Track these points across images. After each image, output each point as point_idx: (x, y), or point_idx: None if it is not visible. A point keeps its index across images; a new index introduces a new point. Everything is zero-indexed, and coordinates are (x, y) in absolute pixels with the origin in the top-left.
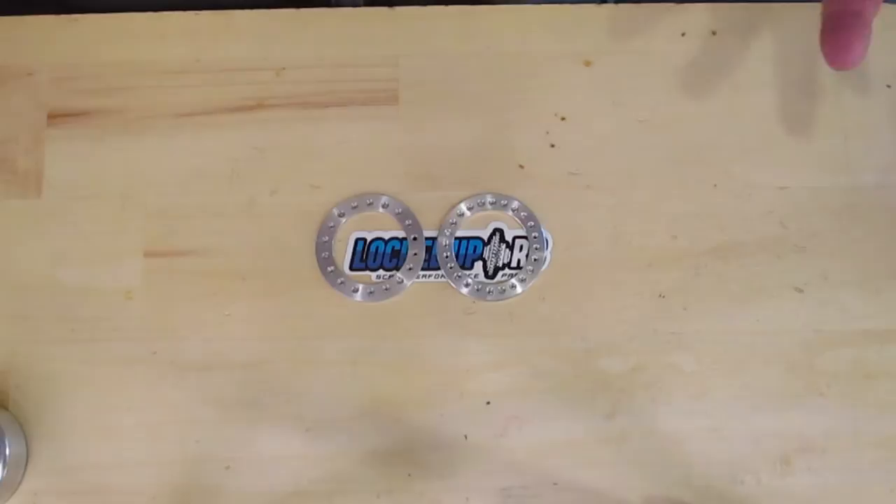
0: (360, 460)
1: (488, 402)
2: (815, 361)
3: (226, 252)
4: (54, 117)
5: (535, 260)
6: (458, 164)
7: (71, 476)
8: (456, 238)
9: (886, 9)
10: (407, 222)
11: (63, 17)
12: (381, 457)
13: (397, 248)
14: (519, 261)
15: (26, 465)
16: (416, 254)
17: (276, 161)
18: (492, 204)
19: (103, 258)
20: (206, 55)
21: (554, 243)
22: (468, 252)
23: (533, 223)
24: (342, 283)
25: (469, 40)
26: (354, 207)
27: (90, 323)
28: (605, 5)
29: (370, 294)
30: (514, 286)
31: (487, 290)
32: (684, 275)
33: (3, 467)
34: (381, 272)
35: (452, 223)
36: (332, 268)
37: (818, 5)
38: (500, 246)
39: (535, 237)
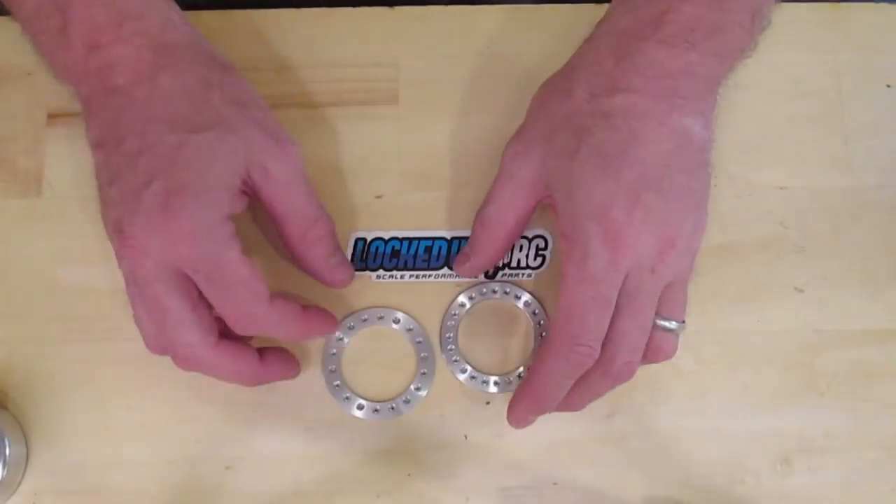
0: (360, 460)
1: (488, 403)
2: (815, 361)
3: None
4: (54, 117)
5: (536, 260)
6: (458, 164)
7: (71, 476)
8: (456, 238)
9: (887, 9)
10: (418, 340)
11: None
12: (381, 457)
13: (397, 248)
14: (519, 261)
15: (26, 465)
16: (424, 357)
17: None
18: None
19: (103, 258)
20: None
21: (554, 243)
22: None
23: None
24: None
25: (469, 40)
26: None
27: (90, 323)
28: (604, 5)
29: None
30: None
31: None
32: None
33: (3, 467)
34: (381, 272)
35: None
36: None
37: (817, 5)
38: None
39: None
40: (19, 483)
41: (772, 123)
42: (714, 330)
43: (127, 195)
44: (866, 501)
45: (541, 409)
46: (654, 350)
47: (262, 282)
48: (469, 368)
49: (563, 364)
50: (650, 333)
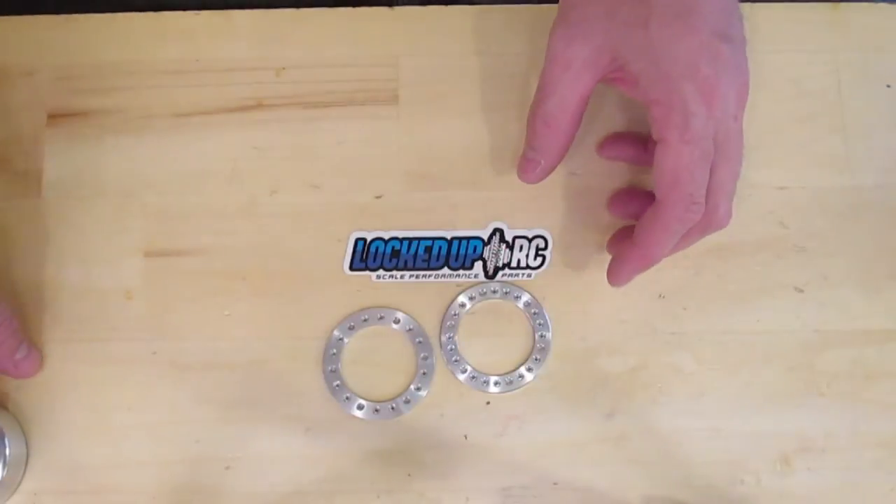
0: (360, 460)
1: (488, 403)
2: (815, 361)
3: (226, 252)
4: (54, 117)
5: (535, 259)
6: (458, 164)
7: (71, 476)
8: (456, 238)
9: (887, 9)
10: (418, 340)
11: (63, 16)
12: (381, 457)
13: (397, 248)
14: (519, 261)
15: (26, 465)
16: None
17: (276, 161)
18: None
19: (103, 258)
20: (205, 55)
21: (554, 243)
22: (468, 252)
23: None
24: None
25: (469, 40)
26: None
27: (90, 323)
28: None
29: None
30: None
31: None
32: (684, 275)
33: (3, 467)
34: (381, 272)
35: (454, 315)
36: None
37: (817, 5)
38: (500, 246)
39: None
40: (19, 483)
41: (772, 123)
42: (714, 330)
43: None
44: (866, 501)
45: (647, 268)
46: None
47: None
48: (469, 368)
49: (677, 223)
50: None
